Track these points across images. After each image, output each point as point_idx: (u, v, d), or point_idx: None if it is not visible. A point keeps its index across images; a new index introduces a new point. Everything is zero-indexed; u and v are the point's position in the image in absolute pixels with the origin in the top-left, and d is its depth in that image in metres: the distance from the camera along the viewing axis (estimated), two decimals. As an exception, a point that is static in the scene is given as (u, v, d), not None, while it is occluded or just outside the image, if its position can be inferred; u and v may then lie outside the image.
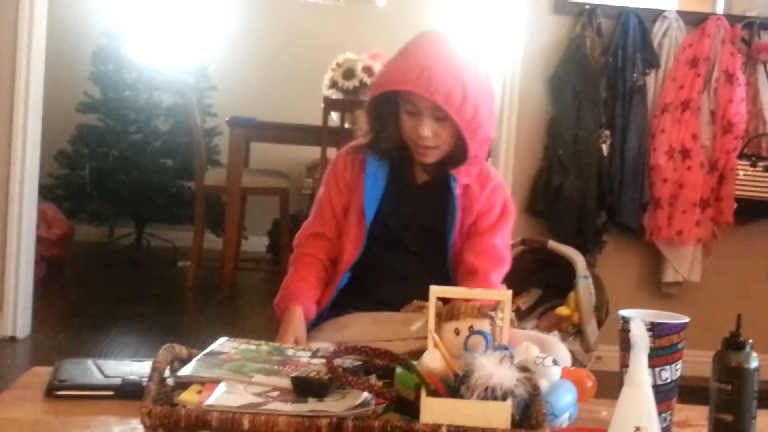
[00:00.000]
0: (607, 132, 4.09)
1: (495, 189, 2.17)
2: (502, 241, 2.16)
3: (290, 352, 1.60)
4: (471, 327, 1.61)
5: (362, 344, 1.96)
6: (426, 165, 2.15)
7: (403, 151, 2.15)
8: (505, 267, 2.16)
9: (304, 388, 1.39)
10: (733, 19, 4.21)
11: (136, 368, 1.75)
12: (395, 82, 2.01)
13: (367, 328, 2.04)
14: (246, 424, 1.26)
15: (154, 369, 1.42)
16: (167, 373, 1.46)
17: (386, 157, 2.17)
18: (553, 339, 2.00)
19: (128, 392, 1.63)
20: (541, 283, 3.59)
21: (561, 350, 1.96)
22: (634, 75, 4.09)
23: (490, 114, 2.07)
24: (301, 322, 2.06)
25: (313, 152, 5.53)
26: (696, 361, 2.31)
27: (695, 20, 4.18)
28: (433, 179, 2.17)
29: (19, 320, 4.20)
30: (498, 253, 2.13)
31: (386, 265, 2.15)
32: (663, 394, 1.59)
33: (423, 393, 1.35)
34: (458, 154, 2.09)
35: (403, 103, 2.06)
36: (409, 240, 2.16)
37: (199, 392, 1.39)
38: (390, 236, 2.15)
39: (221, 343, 1.61)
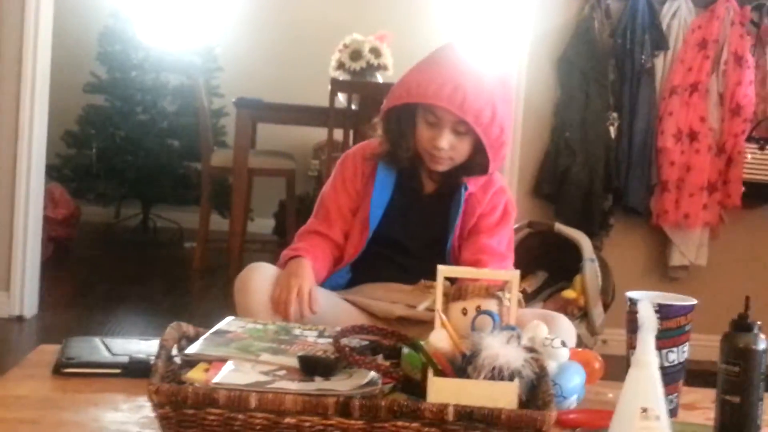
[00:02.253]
0: (615, 114, 4.07)
1: (497, 192, 2.19)
2: (500, 242, 2.17)
3: (297, 331, 1.61)
4: (478, 307, 1.61)
5: (367, 304, 2.02)
6: (434, 174, 2.16)
7: (414, 159, 2.16)
8: (507, 263, 2.17)
9: (311, 367, 1.40)
10: (742, 0, 4.18)
11: (144, 346, 1.76)
12: (428, 96, 2.01)
13: (375, 291, 2.12)
14: (253, 402, 1.26)
15: (161, 347, 1.42)
16: (174, 351, 1.47)
17: (397, 165, 2.17)
18: (557, 315, 1.99)
19: (135, 370, 1.63)
20: (547, 266, 3.60)
21: (565, 325, 1.96)
22: (643, 57, 4.07)
23: (510, 132, 2.11)
24: (311, 273, 2.05)
25: (319, 133, 5.52)
26: (702, 345, 2.31)
27: (704, 2, 4.15)
28: (440, 189, 2.19)
29: (27, 300, 4.20)
30: (495, 251, 2.15)
31: (387, 260, 2.17)
32: (670, 376, 1.59)
33: (430, 373, 1.35)
34: (471, 165, 2.11)
35: (423, 112, 2.06)
36: (412, 246, 2.18)
37: (206, 370, 1.40)
38: (394, 241, 2.17)
39: (228, 322, 1.61)
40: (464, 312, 1.63)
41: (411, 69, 2.10)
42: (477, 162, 2.10)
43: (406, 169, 2.18)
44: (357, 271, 2.19)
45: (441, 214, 2.16)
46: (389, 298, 2.09)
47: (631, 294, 1.63)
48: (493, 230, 2.16)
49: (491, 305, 1.61)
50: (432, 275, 1.60)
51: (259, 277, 2.03)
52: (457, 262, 2.15)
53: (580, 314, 3.43)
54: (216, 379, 1.35)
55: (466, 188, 2.14)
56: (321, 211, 2.21)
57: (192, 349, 1.46)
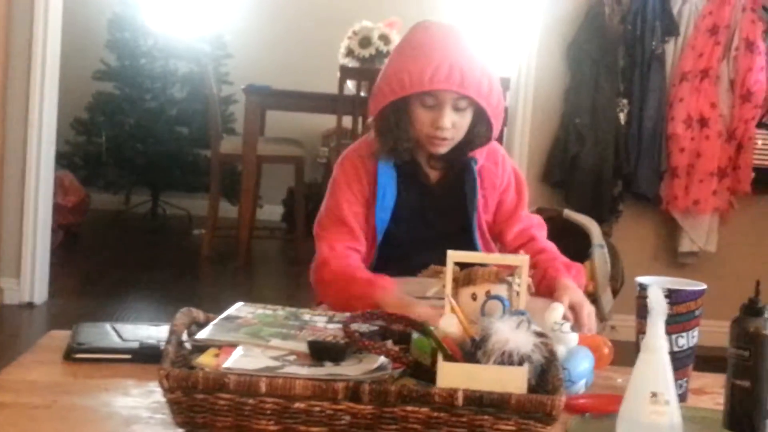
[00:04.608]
0: (625, 101, 4.06)
1: (504, 160, 2.19)
2: (527, 208, 2.23)
3: (307, 316, 1.61)
4: (488, 292, 1.61)
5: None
6: (435, 162, 2.12)
7: (414, 150, 2.10)
8: (544, 228, 2.22)
9: (320, 352, 1.40)
10: (753, -14, 4.16)
11: (154, 332, 1.76)
12: (425, 83, 1.96)
13: None
14: (263, 387, 1.27)
15: (171, 332, 1.42)
16: (185, 336, 1.47)
17: (398, 158, 2.10)
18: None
19: (146, 355, 1.63)
20: (556, 252, 3.58)
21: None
22: (653, 43, 4.06)
23: (502, 96, 2.07)
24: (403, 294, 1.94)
25: (328, 120, 5.53)
26: (711, 331, 2.31)
27: (715, -12, 4.14)
28: (444, 176, 2.14)
29: (37, 286, 4.23)
30: (533, 219, 2.20)
31: (404, 259, 2.09)
32: (679, 361, 1.59)
33: (439, 358, 1.35)
34: (472, 138, 2.08)
35: (420, 97, 2.00)
36: (431, 237, 2.12)
37: (217, 356, 1.40)
38: (410, 238, 2.12)
39: (238, 308, 1.62)
40: (474, 297, 1.63)
41: (392, 60, 2.05)
42: (477, 134, 2.06)
43: (407, 163, 2.11)
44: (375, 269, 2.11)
45: (455, 201, 2.13)
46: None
47: (641, 279, 1.63)
48: (522, 201, 2.18)
49: (501, 290, 1.61)
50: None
51: None
52: (495, 242, 2.16)
53: (589, 300, 3.42)
54: (226, 364, 1.35)
55: (476, 162, 2.11)
56: (341, 226, 2.08)
57: (202, 334, 1.47)
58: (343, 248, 2.06)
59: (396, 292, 1.91)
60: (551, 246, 2.16)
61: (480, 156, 2.13)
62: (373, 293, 1.90)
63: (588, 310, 1.94)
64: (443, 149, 2.07)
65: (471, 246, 2.08)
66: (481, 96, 1.98)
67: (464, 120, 2.03)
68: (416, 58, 1.98)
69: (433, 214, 2.14)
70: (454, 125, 2.01)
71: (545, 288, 1.97)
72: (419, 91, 1.99)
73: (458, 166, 2.12)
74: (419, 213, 2.13)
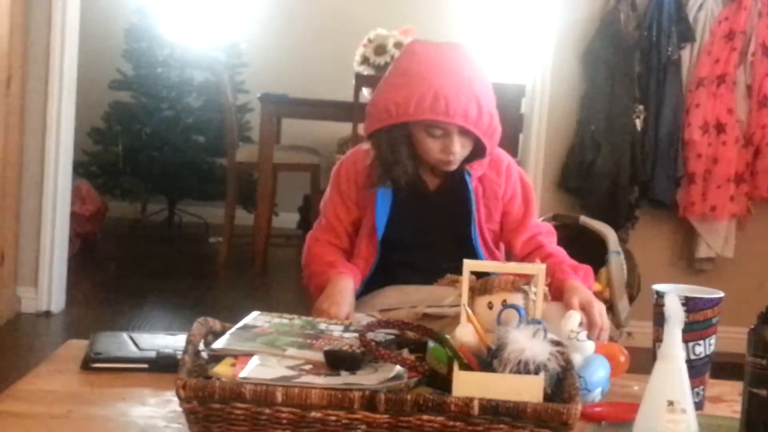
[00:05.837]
0: (641, 107, 4.05)
1: (509, 169, 2.19)
2: (536, 216, 2.23)
3: (323, 326, 1.61)
4: (504, 301, 1.61)
5: (389, 309, 2.00)
6: (436, 169, 2.14)
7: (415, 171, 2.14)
8: (554, 235, 2.22)
9: (336, 361, 1.40)
10: (769, -9, 4.15)
11: (171, 341, 1.77)
12: (410, 114, 1.99)
13: (395, 297, 2.08)
14: (279, 397, 1.27)
15: (188, 342, 1.43)
16: (201, 346, 1.47)
17: (397, 184, 2.13)
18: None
19: (163, 365, 1.64)
20: (572, 259, 3.58)
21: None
22: (669, 49, 4.04)
23: (496, 111, 2.07)
24: (352, 292, 2.05)
25: (344, 128, 5.53)
26: (729, 338, 2.29)
27: (731, -7, 4.12)
28: (445, 183, 2.16)
29: (54, 295, 4.24)
30: (542, 227, 2.21)
31: (406, 265, 2.14)
32: (696, 369, 1.58)
33: (455, 367, 1.35)
34: (472, 152, 2.10)
35: (425, 128, 2.03)
36: (431, 243, 2.15)
37: (233, 365, 1.40)
38: (410, 243, 2.15)
39: (254, 317, 1.62)
40: (490, 306, 1.63)
41: (381, 87, 2.07)
42: (473, 151, 2.09)
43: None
44: (372, 282, 2.15)
45: (455, 208, 2.14)
46: (407, 303, 2.05)
47: (658, 287, 1.62)
48: (530, 210, 2.18)
49: (517, 299, 1.61)
50: (459, 271, 1.59)
51: None
52: (512, 253, 2.17)
53: (606, 307, 3.41)
54: (242, 374, 1.36)
55: (469, 174, 2.13)
56: (327, 223, 2.20)
57: (219, 344, 1.47)
58: (322, 241, 2.19)
59: (345, 295, 2.00)
60: (559, 251, 2.17)
61: (480, 166, 2.14)
62: (324, 275, 2.06)
63: (598, 308, 1.94)
64: (454, 167, 2.10)
65: (472, 254, 2.10)
66: (468, 121, 1.99)
67: (469, 139, 2.06)
68: (401, 88, 2.01)
69: (431, 220, 2.16)
70: (462, 146, 2.04)
71: (554, 291, 1.98)
72: (413, 121, 2.01)
73: (456, 176, 2.13)
74: (418, 219, 2.16)
